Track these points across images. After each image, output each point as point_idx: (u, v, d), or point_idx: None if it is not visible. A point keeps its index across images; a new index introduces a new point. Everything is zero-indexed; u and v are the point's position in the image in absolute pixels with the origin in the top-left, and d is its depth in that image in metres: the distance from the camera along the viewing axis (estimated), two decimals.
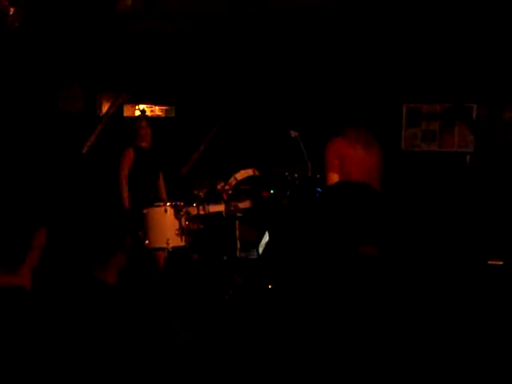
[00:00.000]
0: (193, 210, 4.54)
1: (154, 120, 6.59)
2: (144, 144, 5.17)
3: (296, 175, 5.13)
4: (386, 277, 4.13)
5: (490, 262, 4.72)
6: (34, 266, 1.82)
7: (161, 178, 5.32)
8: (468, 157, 6.46)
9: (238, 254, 4.62)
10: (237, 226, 4.62)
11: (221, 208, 4.62)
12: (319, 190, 4.97)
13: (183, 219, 4.50)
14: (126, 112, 6.44)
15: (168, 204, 4.55)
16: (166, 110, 6.70)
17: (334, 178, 4.16)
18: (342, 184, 4.20)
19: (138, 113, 6.49)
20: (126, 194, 4.97)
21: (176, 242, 4.50)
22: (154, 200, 4.81)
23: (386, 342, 3.64)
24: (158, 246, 4.49)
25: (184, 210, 4.51)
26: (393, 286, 4.18)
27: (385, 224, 4.36)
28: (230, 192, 4.65)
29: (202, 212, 4.55)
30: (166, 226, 4.50)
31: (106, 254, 2.28)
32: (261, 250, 4.93)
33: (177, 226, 4.50)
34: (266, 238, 5.12)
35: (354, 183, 4.14)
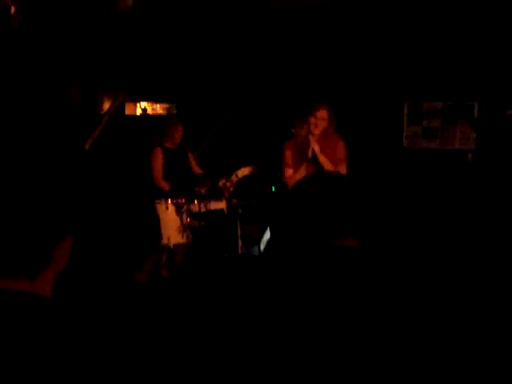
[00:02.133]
0: (194, 207, 4.54)
1: (155, 118, 6.59)
2: (170, 145, 5.06)
3: None
4: (371, 269, 4.14)
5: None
6: (57, 273, 1.79)
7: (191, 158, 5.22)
8: (469, 154, 6.46)
9: (239, 250, 4.63)
10: (238, 223, 4.63)
11: (222, 205, 4.62)
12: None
13: (184, 216, 4.50)
14: (128, 110, 6.44)
15: (169, 201, 4.55)
16: (167, 108, 6.69)
17: None
18: (312, 176, 4.31)
19: (139, 111, 6.48)
20: (168, 187, 4.91)
21: (177, 239, 4.51)
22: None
23: (367, 336, 3.63)
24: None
25: (185, 207, 4.51)
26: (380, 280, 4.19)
27: (362, 214, 4.43)
28: (232, 189, 4.66)
29: (203, 209, 4.55)
30: (168, 223, 4.50)
31: (141, 255, 2.26)
32: (262, 246, 4.93)
33: (178, 223, 4.50)
34: (268, 234, 5.12)
35: (324, 174, 4.29)
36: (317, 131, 4.35)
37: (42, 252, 1.54)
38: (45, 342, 1.43)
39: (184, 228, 4.48)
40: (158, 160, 4.89)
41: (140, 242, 2.22)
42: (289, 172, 4.41)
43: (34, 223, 1.44)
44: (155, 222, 4.48)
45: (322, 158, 4.29)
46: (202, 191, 4.68)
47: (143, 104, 6.47)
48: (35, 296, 1.55)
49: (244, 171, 4.84)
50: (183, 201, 4.54)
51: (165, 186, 4.85)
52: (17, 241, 1.48)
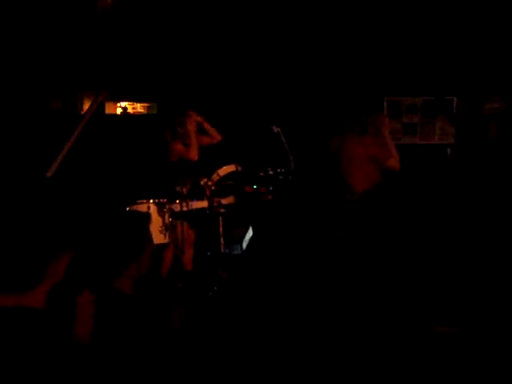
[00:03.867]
0: (176, 207, 4.53)
1: (135, 117, 6.57)
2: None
3: (279, 170, 5.15)
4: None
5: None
6: (51, 285, 1.79)
7: None
8: (449, 149, 6.54)
9: (221, 249, 4.63)
10: (220, 222, 4.63)
11: (204, 204, 4.61)
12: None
13: (166, 216, 4.49)
14: (108, 110, 6.41)
15: (151, 201, 4.54)
16: (147, 107, 6.68)
17: None
18: None
19: (119, 110, 6.46)
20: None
21: (160, 239, 4.49)
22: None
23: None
24: None
25: (167, 206, 4.50)
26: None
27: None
28: (213, 188, 4.66)
29: (185, 209, 4.53)
30: (150, 223, 4.48)
31: (121, 264, 2.27)
32: (245, 245, 4.94)
33: (160, 223, 4.49)
34: (250, 233, 5.14)
35: None
36: None
37: (35, 267, 1.54)
38: (39, 356, 1.44)
39: (166, 228, 4.47)
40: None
41: (122, 247, 2.23)
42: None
43: (26, 237, 1.44)
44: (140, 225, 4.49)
45: None
46: (184, 190, 4.67)
47: (124, 103, 6.45)
48: (26, 309, 1.55)
49: (226, 169, 4.84)
50: (165, 200, 4.54)
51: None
52: (8, 256, 1.48)
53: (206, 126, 5.22)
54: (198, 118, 5.13)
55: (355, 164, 4.90)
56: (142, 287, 2.53)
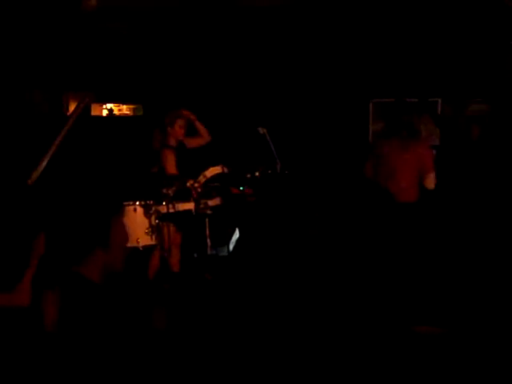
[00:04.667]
0: (162, 209, 4.53)
1: (121, 119, 6.56)
2: (173, 143, 4.98)
3: (266, 172, 5.17)
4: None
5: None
6: (31, 278, 1.81)
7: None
8: (433, 150, 6.58)
9: (208, 251, 4.64)
10: (207, 224, 4.64)
11: (190, 206, 4.62)
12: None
13: (153, 218, 4.50)
14: (94, 111, 6.39)
15: (137, 203, 4.54)
16: (133, 108, 6.66)
17: None
18: None
19: (105, 112, 6.44)
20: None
21: (146, 240, 4.50)
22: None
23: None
24: (128, 245, 4.47)
25: (153, 208, 4.50)
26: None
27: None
28: (200, 190, 4.66)
29: (171, 210, 4.54)
30: (136, 224, 4.49)
31: (86, 251, 2.25)
32: (231, 247, 4.96)
33: (146, 224, 4.49)
34: (237, 234, 5.15)
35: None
36: None
37: (17, 262, 1.54)
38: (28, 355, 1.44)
39: (153, 230, 4.47)
40: (171, 160, 4.87)
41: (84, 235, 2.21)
42: None
43: (8, 236, 1.44)
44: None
45: None
46: (170, 192, 4.67)
47: (109, 105, 6.43)
48: (13, 308, 1.55)
49: (212, 171, 4.85)
50: (151, 202, 4.54)
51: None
52: None
53: (198, 125, 5.09)
54: (191, 116, 5.01)
55: (403, 168, 4.72)
56: (115, 281, 2.47)
